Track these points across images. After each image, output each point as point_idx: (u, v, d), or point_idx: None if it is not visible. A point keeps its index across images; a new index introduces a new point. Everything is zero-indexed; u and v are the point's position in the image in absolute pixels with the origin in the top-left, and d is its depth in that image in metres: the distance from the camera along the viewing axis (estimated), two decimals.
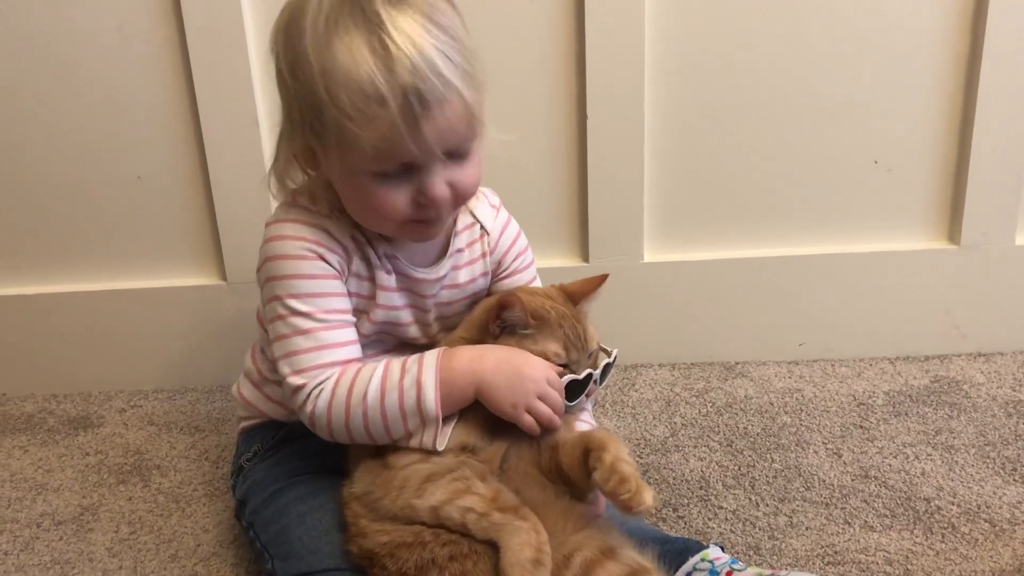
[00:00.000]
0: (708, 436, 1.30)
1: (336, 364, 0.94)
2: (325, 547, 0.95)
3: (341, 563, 0.93)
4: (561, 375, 0.96)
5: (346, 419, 0.93)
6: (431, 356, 0.94)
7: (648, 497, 0.84)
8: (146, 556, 1.10)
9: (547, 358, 0.96)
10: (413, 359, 0.95)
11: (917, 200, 1.44)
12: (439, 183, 0.91)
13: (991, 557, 1.05)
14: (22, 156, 1.40)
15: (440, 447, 0.92)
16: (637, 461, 1.25)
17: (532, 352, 0.96)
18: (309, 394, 0.93)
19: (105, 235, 1.45)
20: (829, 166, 1.42)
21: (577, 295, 1.03)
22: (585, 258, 1.46)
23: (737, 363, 1.49)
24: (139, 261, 1.46)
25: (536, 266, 1.14)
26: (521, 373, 0.94)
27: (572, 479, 0.93)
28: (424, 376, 0.93)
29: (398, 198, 0.92)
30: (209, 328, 1.47)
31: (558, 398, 0.95)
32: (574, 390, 0.97)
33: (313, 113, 0.88)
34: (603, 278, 1.04)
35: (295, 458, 1.05)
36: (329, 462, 1.00)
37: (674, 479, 1.21)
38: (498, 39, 1.33)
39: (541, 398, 0.94)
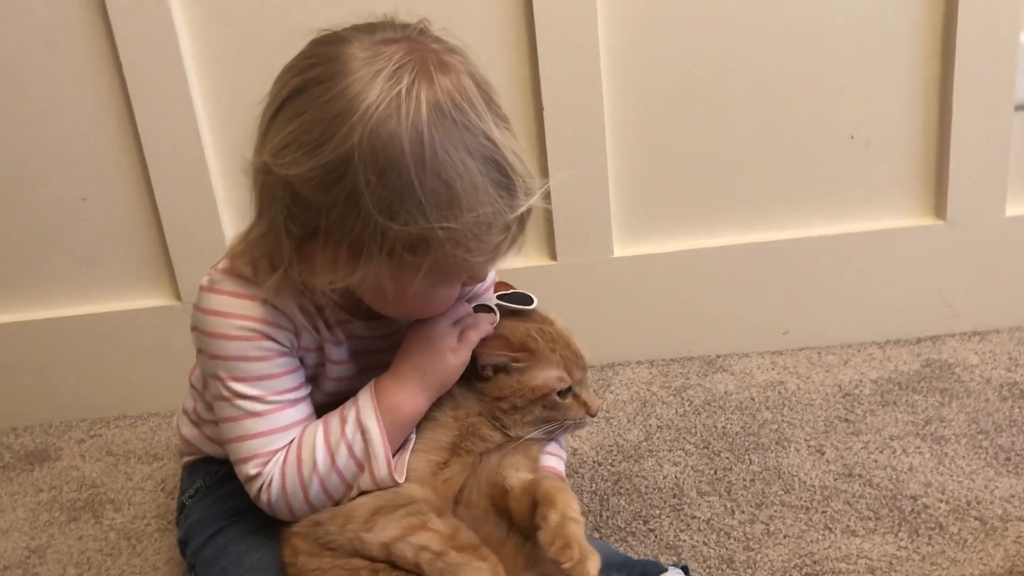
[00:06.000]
0: (684, 438, 1.23)
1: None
2: None
3: None
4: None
5: (304, 495, 0.87)
6: (364, 394, 0.88)
7: (592, 568, 0.77)
8: None
9: (552, 386, 0.90)
10: (348, 404, 0.89)
11: (898, 175, 1.36)
12: None
13: (981, 559, 0.98)
14: None
15: (400, 479, 0.87)
16: (608, 470, 1.19)
17: (536, 384, 0.90)
18: (262, 485, 0.87)
19: (54, 261, 1.40)
20: (802, 144, 1.35)
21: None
22: (553, 256, 1.40)
23: (718, 356, 1.42)
24: (91, 285, 1.41)
25: (504, 267, 1.07)
26: (429, 346, 0.88)
27: (522, 528, 0.87)
28: (363, 416, 0.87)
29: (456, 292, 0.88)
30: (167, 350, 1.42)
31: (477, 320, 0.90)
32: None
33: (401, 244, 0.77)
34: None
35: (236, 496, 0.98)
36: None
37: (646, 488, 1.14)
38: (437, 25, 1.27)
39: (463, 332, 0.89)
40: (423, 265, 0.79)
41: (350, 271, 0.80)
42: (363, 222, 0.77)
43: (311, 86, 0.78)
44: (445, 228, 0.77)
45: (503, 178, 0.79)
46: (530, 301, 0.95)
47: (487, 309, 0.93)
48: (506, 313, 0.94)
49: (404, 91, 0.76)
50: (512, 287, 0.98)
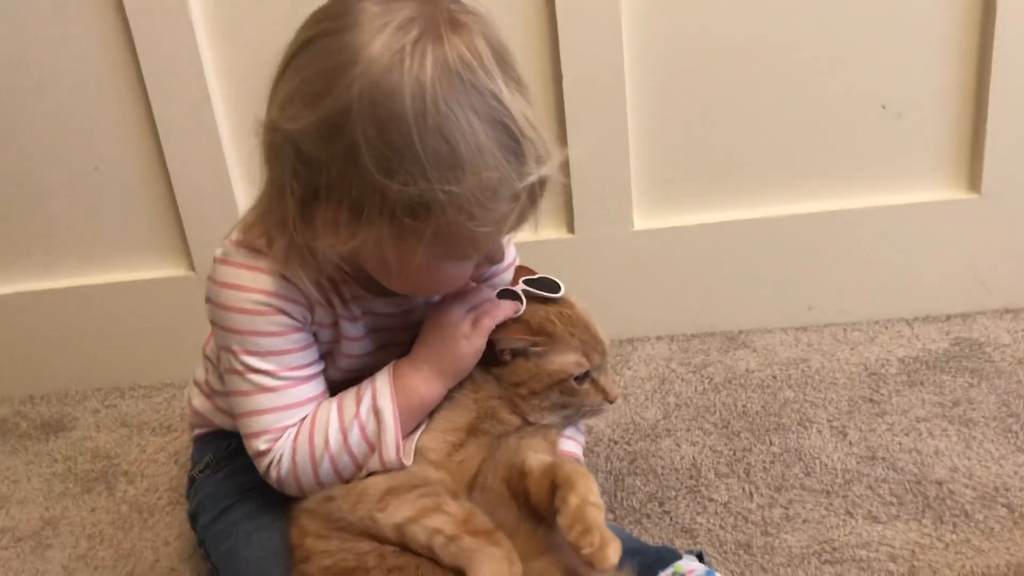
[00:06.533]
0: (703, 417, 1.20)
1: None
2: (273, 569, 0.88)
3: None
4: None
5: (314, 473, 0.86)
6: (382, 376, 0.87)
7: (613, 555, 0.75)
8: (102, 574, 1.06)
9: (569, 371, 0.88)
10: (365, 384, 0.88)
11: (932, 146, 1.31)
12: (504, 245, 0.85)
13: (1007, 548, 0.95)
14: None
15: (408, 462, 0.85)
16: (624, 449, 1.16)
17: (553, 368, 0.88)
18: (271, 461, 0.86)
19: (67, 230, 1.39)
20: (832, 114, 1.29)
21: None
22: (571, 229, 1.36)
23: (741, 332, 1.39)
24: (104, 255, 1.40)
25: (520, 240, 1.04)
26: (443, 333, 0.86)
27: (540, 511, 0.84)
28: (379, 398, 0.86)
29: (468, 270, 0.85)
30: (181, 321, 1.40)
31: (494, 306, 0.87)
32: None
33: (401, 207, 0.74)
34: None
35: (247, 471, 0.97)
36: None
37: (663, 468, 1.12)
38: None
39: (478, 318, 0.86)
40: (425, 232, 0.76)
41: (350, 234, 0.77)
42: (362, 179, 0.74)
43: (319, 38, 0.76)
44: (446, 191, 0.73)
45: (511, 142, 0.75)
46: (557, 288, 0.92)
47: (513, 295, 0.90)
48: (532, 299, 0.91)
49: (409, 44, 0.73)
50: (535, 272, 0.95)
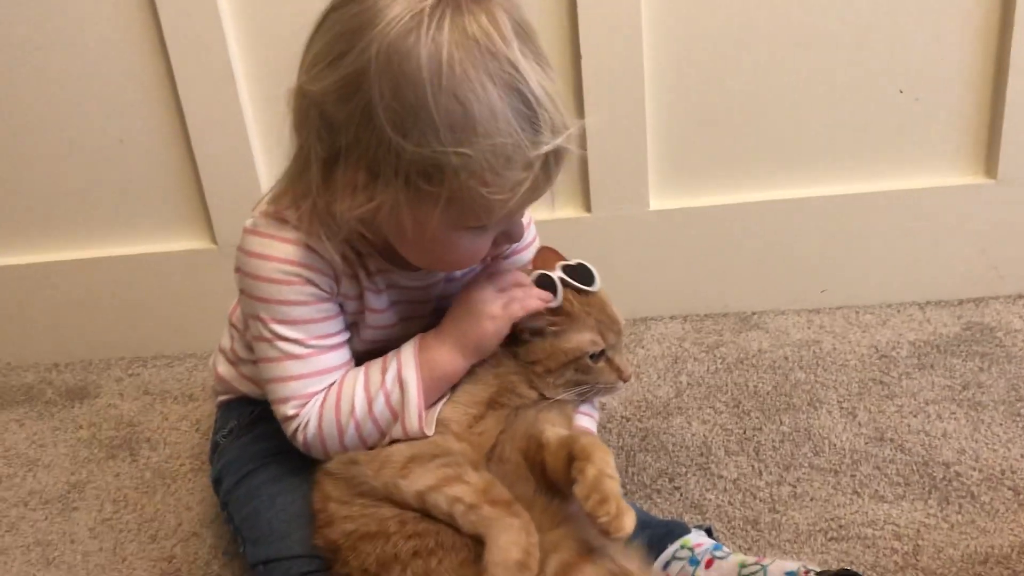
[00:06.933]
0: (715, 396, 1.22)
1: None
2: (295, 532, 0.91)
3: (311, 550, 0.90)
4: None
5: (340, 439, 0.89)
6: (408, 348, 0.90)
7: (628, 524, 0.77)
8: (127, 537, 1.09)
9: (584, 349, 0.90)
10: (391, 355, 0.90)
11: (949, 131, 1.31)
12: (523, 221, 0.87)
13: (1011, 530, 0.97)
14: (3, 126, 1.36)
15: (429, 432, 0.88)
16: (636, 426, 1.19)
17: (569, 347, 0.89)
18: (299, 425, 0.89)
19: (93, 202, 1.41)
20: (850, 97, 1.30)
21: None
22: (587, 208, 1.38)
23: (754, 313, 1.40)
24: (129, 227, 1.43)
25: (537, 218, 1.06)
26: (471, 310, 0.88)
27: (556, 482, 0.87)
28: (404, 368, 0.88)
29: (485, 244, 0.86)
30: (203, 292, 1.43)
31: (527, 295, 0.88)
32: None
33: (416, 169, 0.77)
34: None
35: (270, 437, 1.00)
36: None
37: (674, 445, 1.14)
38: None
39: (508, 303, 0.88)
40: (440, 198, 0.78)
41: (368, 197, 0.80)
42: (377, 139, 0.76)
43: (345, 3, 0.79)
44: (459, 154, 0.75)
45: (526, 109, 0.76)
46: (592, 279, 0.92)
47: (549, 282, 0.91)
48: (565, 288, 0.91)
49: (429, 8, 0.75)
50: (562, 256, 0.96)
